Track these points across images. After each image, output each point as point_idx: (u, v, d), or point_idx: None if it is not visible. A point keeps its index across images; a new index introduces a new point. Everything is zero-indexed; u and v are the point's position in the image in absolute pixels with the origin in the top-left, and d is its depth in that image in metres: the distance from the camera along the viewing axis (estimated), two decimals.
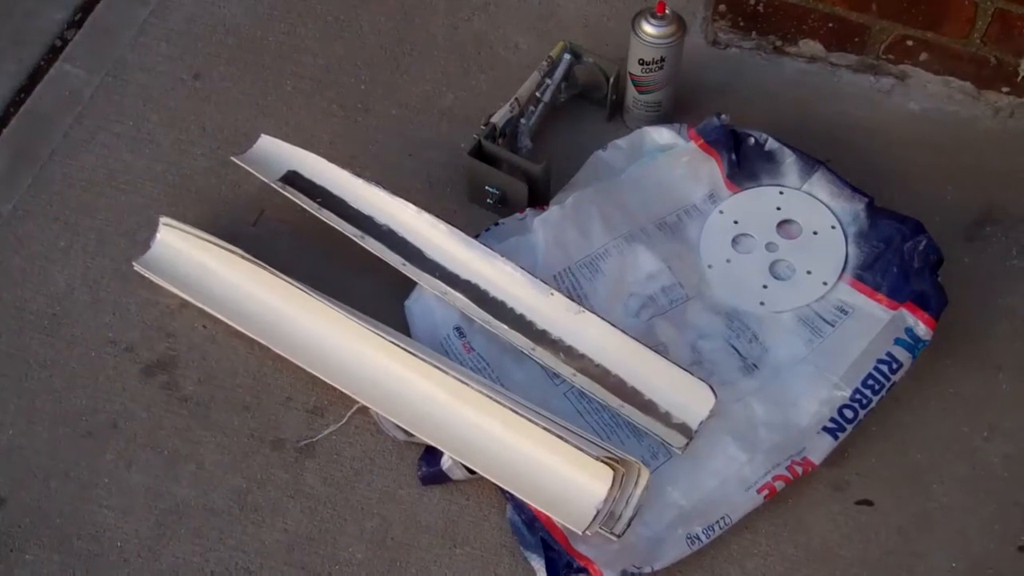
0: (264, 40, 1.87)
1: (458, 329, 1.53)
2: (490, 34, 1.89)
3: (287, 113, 1.79)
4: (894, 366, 1.47)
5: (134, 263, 1.59)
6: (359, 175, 1.61)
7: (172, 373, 1.54)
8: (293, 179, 1.63)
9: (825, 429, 1.45)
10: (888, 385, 1.47)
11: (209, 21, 1.89)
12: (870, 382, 1.47)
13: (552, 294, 1.51)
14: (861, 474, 1.47)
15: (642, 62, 1.66)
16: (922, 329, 1.49)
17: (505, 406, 1.39)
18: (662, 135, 1.68)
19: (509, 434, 1.40)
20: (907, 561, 1.41)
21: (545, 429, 1.36)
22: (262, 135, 1.67)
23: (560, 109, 1.77)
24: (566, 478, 1.37)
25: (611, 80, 1.72)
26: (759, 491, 1.41)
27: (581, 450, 1.34)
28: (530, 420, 1.37)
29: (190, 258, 1.59)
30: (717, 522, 1.40)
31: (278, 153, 1.65)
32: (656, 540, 1.39)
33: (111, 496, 1.45)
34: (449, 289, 1.54)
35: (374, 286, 1.59)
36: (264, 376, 1.54)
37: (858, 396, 1.46)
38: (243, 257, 1.54)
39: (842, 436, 1.45)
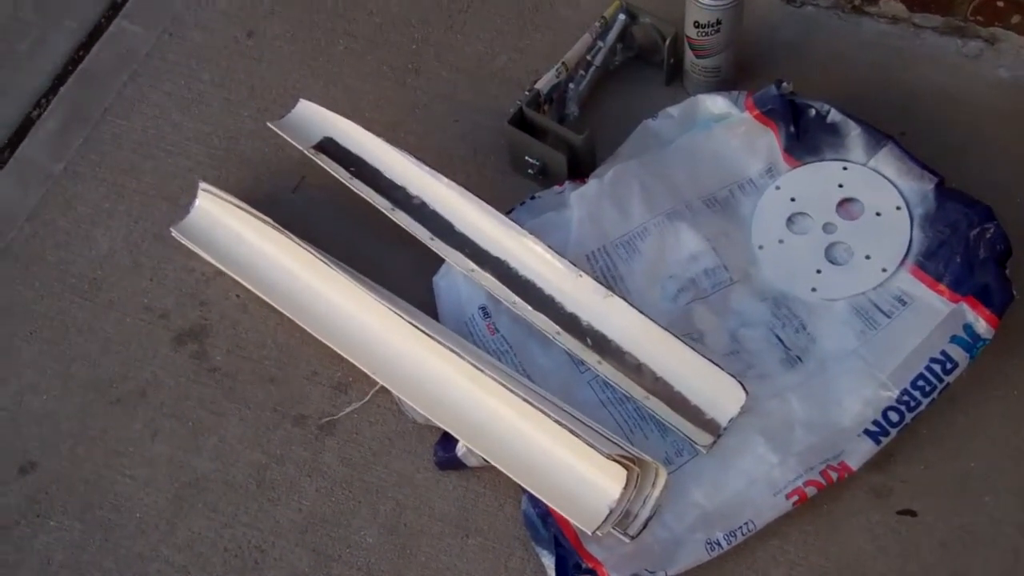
0: None
1: (483, 309, 1.47)
2: None
3: (337, 74, 1.74)
4: (948, 366, 1.35)
5: (172, 229, 1.58)
6: (396, 144, 1.55)
7: (202, 342, 1.53)
8: (328, 147, 1.58)
9: (867, 432, 1.34)
10: (941, 387, 1.35)
11: None
12: (920, 383, 1.35)
13: (581, 276, 1.43)
14: (906, 481, 1.36)
15: (697, 24, 1.54)
16: (982, 327, 1.36)
17: (521, 396, 1.33)
18: (716, 104, 1.57)
19: (525, 425, 1.35)
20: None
21: (557, 422, 1.30)
22: (300, 100, 1.63)
23: (616, 73, 1.67)
24: (580, 475, 1.31)
25: (668, 42, 1.61)
26: (788, 496, 1.32)
27: (593, 447, 1.28)
28: (544, 412, 1.31)
29: (226, 226, 1.57)
30: (740, 528, 1.31)
31: (316, 119, 1.61)
32: (673, 543, 1.32)
33: (134, 466, 1.46)
34: (476, 267, 1.48)
35: (408, 259, 1.53)
36: (291, 349, 1.51)
37: (906, 398, 1.35)
38: (276, 228, 1.51)
39: (885, 441, 1.34)
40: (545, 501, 1.32)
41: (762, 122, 1.54)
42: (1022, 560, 1.31)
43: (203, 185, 1.58)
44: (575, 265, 1.44)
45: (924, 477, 1.36)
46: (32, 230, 1.64)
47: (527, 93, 1.56)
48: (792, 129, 1.52)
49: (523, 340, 1.45)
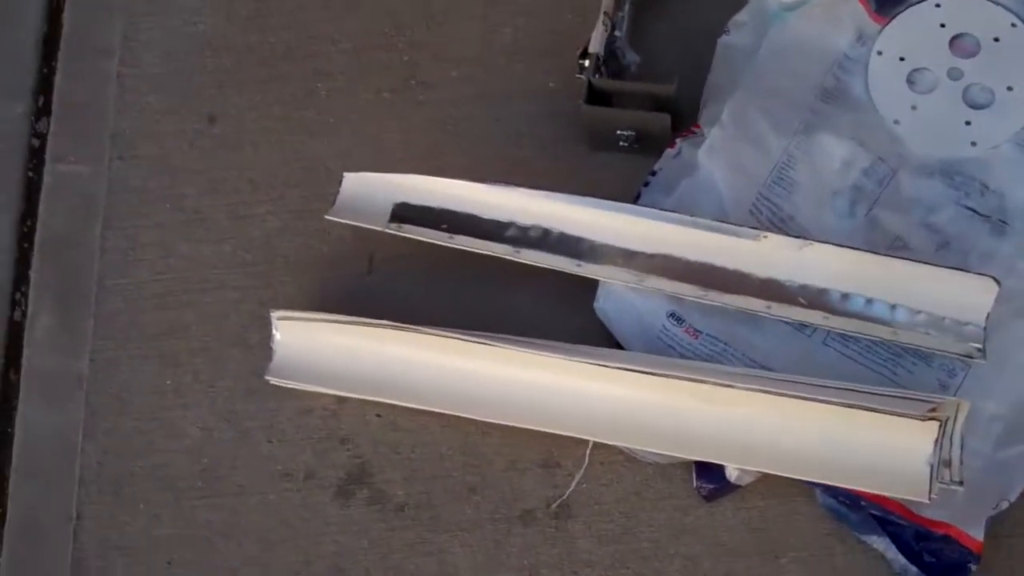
0: (264, 44, 1.52)
1: (672, 315, 1.29)
2: None
3: (336, 123, 1.48)
4: None
5: (267, 377, 1.33)
6: (449, 172, 1.35)
7: (371, 484, 1.31)
8: (404, 213, 1.35)
9: None
10: None
11: (191, 48, 1.52)
12: None
13: (765, 236, 1.26)
14: None
15: None
16: None
17: (776, 392, 1.18)
18: None
19: (794, 421, 1.19)
20: None
21: (849, 406, 1.15)
22: (345, 175, 1.37)
23: None
24: (879, 445, 1.16)
25: None
26: None
27: (902, 414, 1.14)
28: (824, 400, 1.16)
29: (324, 347, 1.32)
30: None
31: (372, 189, 1.35)
32: (997, 468, 1.20)
33: None
34: (641, 274, 1.29)
35: (542, 298, 1.34)
36: (474, 447, 1.31)
37: None
38: (384, 325, 1.28)
39: None
40: (857, 488, 1.18)
41: None
42: None
43: (276, 314, 1.33)
44: (745, 226, 1.28)
45: None
46: (95, 452, 1.36)
47: (583, 62, 1.35)
48: None
49: (733, 330, 1.28)
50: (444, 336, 1.27)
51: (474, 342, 1.26)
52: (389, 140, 1.46)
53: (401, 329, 1.28)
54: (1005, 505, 1.19)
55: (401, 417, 1.32)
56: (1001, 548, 1.20)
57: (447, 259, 1.35)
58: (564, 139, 1.43)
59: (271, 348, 1.34)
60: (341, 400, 1.33)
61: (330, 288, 1.39)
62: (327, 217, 1.35)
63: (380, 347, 1.31)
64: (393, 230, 1.33)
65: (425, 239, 1.33)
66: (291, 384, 1.33)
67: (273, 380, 1.33)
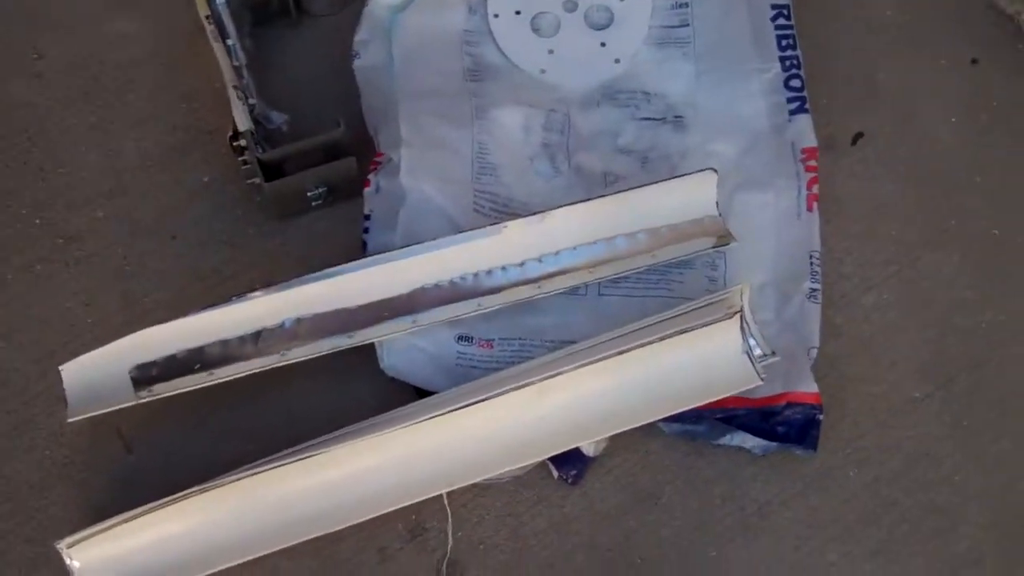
0: None
1: (460, 338, 1.27)
2: (85, 52, 1.45)
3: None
4: (785, 11, 1.40)
5: None
6: (198, 305, 1.23)
7: None
8: (147, 375, 1.21)
9: (792, 112, 1.37)
10: (795, 30, 1.40)
11: None
12: (783, 42, 1.40)
13: (506, 226, 1.26)
14: (833, 116, 1.42)
15: None
16: None
17: (592, 361, 1.19)
18: None
19: (619, 378, 1.21)
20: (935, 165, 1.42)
21: (661, 339, 1.19)
22: (61, 368, 1.20)
23: (255, 55, 1.41)
24: (699, 359, 1.22)
25: None
26: (810, 209, 1.34)
27: (708, 323, 1.19)
28: (636, 346, 1.19)
29: (131, 551, 1.17)
30: (812, 263, 1.31)
31: (100, 366, 1.20)
32: (790, 325, 1.29)
33: None
34: (411, 316, 1.25)
35: (322, 384, 1.27)
36: (334, 559, 1.22)
37: (788, 62, 1.39)
38: (178, 499, 1.15)
39: (808, 105, 1.38)
40: (698, 406, 1.22)
41: None
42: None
43: (63, 543, 1.15)
44: (480, 227, 1.27)
45: (842, 100, 1.45)
46: None
47: (240, 144, 1.28)
48: None
49: (519, 323, 1.28)
50: (247, 476, 1.16)
51: (281, 466, 1.16)
52: (71, 313, 1.31)
53: (198, 493, 1.15)
54: (815, 352, 1.28)
55: (244, 572, 1.21)
56: (826, 393, 1.27)
57: (203, 392, 1.23)
58: (250, 222, 1.35)
59: None
60: None
61: (96, 489, 1.23)
62: (70, 420, 1.19)
63: (188, 521, 1.18)
64: (147, 397, 1.20)
65: (185, 389, 1.20)
66: None
67: None
